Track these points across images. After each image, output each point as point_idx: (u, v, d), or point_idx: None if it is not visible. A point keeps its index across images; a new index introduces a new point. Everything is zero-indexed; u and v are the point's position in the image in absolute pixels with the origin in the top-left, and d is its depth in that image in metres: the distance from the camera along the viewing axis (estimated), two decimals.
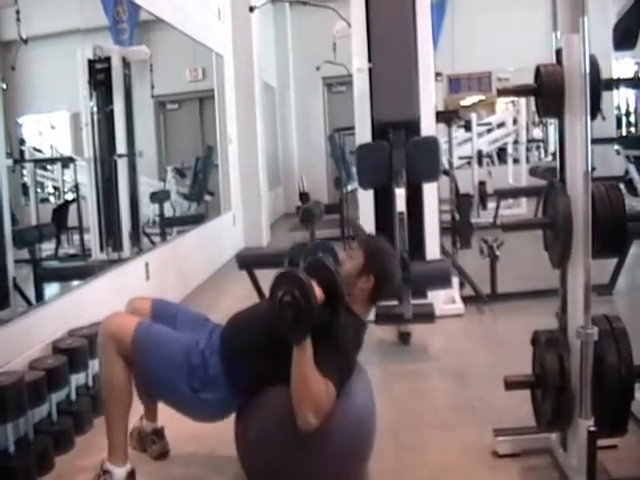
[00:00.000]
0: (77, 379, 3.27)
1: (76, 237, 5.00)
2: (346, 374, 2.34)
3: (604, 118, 2.49)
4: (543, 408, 2.41)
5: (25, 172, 4.88)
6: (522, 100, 9.55)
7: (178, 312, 2.75)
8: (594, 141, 2.21)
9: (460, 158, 9.15)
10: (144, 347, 2.43)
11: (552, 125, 10.60)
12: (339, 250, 3.18)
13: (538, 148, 11.98)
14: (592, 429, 2.19)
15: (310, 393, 2.18)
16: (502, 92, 2.70)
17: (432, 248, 4.50)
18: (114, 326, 2.48)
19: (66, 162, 5.22)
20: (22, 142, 4.94)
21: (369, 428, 2.47)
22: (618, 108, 11.57)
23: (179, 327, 2.63)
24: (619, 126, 11.62)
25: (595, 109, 2.24)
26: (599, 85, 2.27)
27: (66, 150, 5.51)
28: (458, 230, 5.54)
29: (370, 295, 2.51)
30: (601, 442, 2.23)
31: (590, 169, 2.19)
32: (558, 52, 2.38)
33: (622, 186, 7.37)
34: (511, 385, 2.51)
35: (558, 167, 2.45)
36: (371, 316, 3.29)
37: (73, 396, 3.22)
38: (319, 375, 2.20)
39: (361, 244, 2.59)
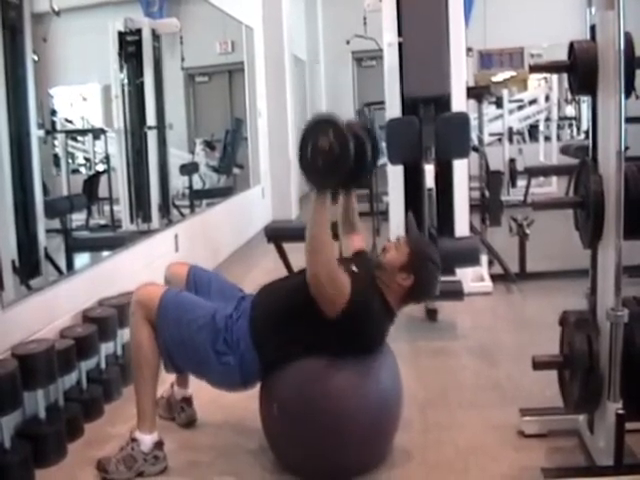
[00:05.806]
0: (106, 348, 3.33)
1: (106, 208, 5.07)
2: (364, 306, 2.34)
3: (638, 97, 2.43)
4: (571, 389, 2.40)
5: (56, 143, 4.93)
6: (554, 77, 9.38)
7: (213, 280, 2.80)
8: (628, 120, 2.17)
9: (491, 135, 9.06)
10: (169, 312, 2.46)
11: (585, 103, 10.43)
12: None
13: (570, 126, 11.77)
14: (620, 412, 2.18)
15: (323, 253, 2.21)
16: (534, 68, 2.64)
17: (461, 225, 4.47)
18: (143, 293, 2.52)
19: (97, 133, 5.27)
20: (54, 113, 4.99)
21: (394, 406, 2.47)
22: None
23: (213, 294, 2.68)
24: None
25: (629, 87, 2.20)
26: (634, 63, 2.22)
27: (97, 122, 5.55)
28: (488, 207, 5.48)
29: (406, 293, 2.46)
30: (628, 425, 2.22)
31: (623, 148, 2.15)
32: (592, 28, 2.33)
33: None
34: (539, 365, 2.49)
35: (590, 146, 2.40)
36: None
37: (102, 365, 3.27)
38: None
39: (409, 242, 2.53)
